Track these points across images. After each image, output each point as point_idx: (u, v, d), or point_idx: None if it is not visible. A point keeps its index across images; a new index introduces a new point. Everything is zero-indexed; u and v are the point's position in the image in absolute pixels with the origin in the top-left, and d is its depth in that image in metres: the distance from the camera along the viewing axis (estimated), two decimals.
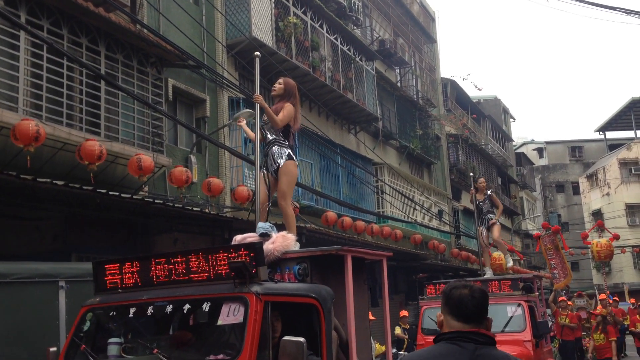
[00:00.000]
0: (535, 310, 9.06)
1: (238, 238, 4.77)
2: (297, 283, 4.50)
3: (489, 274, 10.76)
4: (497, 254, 15.65)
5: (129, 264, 4.23)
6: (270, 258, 4.55)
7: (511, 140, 41.99)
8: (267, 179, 5.43)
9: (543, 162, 51.72)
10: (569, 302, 15.07)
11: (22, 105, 8.21)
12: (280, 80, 5.67)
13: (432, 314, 8.95)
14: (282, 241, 4.68)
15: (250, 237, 4.75)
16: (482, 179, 11.52)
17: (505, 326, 8.56)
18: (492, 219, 11.00)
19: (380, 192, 18.74)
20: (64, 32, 8.90)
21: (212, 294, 3.83)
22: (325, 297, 4.32)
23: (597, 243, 19.12)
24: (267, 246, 4.56)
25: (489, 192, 11.37)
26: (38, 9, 8.55)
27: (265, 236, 4.73)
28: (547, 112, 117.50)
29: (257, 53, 5.59)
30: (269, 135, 5.50)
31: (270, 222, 4.99)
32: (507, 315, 8.56)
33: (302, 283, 4.52)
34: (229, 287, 3.80)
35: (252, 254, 3.85)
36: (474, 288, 2.51)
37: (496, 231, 11.02)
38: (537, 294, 9.61)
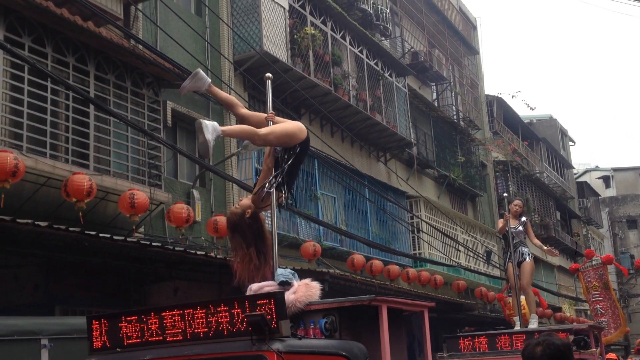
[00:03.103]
0: None
1: (254, 287, 4.80)
2: (324, 339, 4.51)
3: (534, 323, 10.24)
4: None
5: (130, 318, 4.24)
6: (292, 310, 4.56)
7: (571, 167, 41.69)
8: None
9: (610, 192, 51.15)
10: None
11: (0, 134, 8.38)
12: None
13: None
14: (305, 290, 4.70)
15: (268, 286, 4.76)
16: (518, 202, 10.76)
17: None
18: (525, 254, 10.20)
19: (416, 230, 18.64)
20: (47, 50, 9.11)
21: (225, 352, 3.84)
22: (357, 356, 4.31)
23: None
24: (288, 296, 4.58)
25: (523, 218, 10.60)
26: (18, 24, 8.78)
27: (286, 285, 4.75)
28: (613, 133, 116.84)
29: (269, 75, 5.52)
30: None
31: (290, 269, 5.02)
32: None
33: (330, 339, 4.52)
34: (245, 345, 3.79)
35: (272, 306, 3.86)
36: (548, 342, 2.91)
37: (527, 274, 10.20)
38: (594, 350, 9.14)
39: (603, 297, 13.26)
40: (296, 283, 4.79)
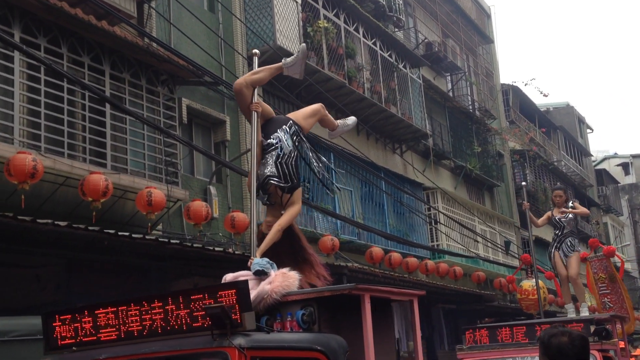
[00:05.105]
0: None
1: (228, 277, 4.60)
2: (301, 332, 4.25)
3: (571, 313, 10.36)
4: (528, 283, 14.39)
5: (84, 314, 4.04)
6: (268, 301, 4.36)
7: (589, 155, 41.37)
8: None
9: (630, 179, 50.71)
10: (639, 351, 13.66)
11: (18, 135, 8.46)
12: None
13: None
14: (282, 280, 4.46)
15: (244, 275, 4.57)
16: (558, 191, 10.72)
17: None
18: (574, 246, 10.33)
19: (433, 222, 18.61)
20: (63, 50, 9.18)
21: (183, 349, 3.63)
22: (335, 350, 4.03)
23: None
24: (264, 287, 4.39)
25: (571, 203, 10.54)
26: (34, 25, 8.85)
27: (262, 274, 4.53)
28: (631, 120, 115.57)
29: (256, 51, 5.60)
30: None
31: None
32: None
33: (308, 332, 4.27)
34: (205, 341, 3.57)
35: (234, 297, 3.61)
36: (573, 335, 2.93)
37: (576, 264, 10.39)
38: (616, 339, 9.08)
39: (610, 290, 12.37)
40: (273, 272, 4.55)
